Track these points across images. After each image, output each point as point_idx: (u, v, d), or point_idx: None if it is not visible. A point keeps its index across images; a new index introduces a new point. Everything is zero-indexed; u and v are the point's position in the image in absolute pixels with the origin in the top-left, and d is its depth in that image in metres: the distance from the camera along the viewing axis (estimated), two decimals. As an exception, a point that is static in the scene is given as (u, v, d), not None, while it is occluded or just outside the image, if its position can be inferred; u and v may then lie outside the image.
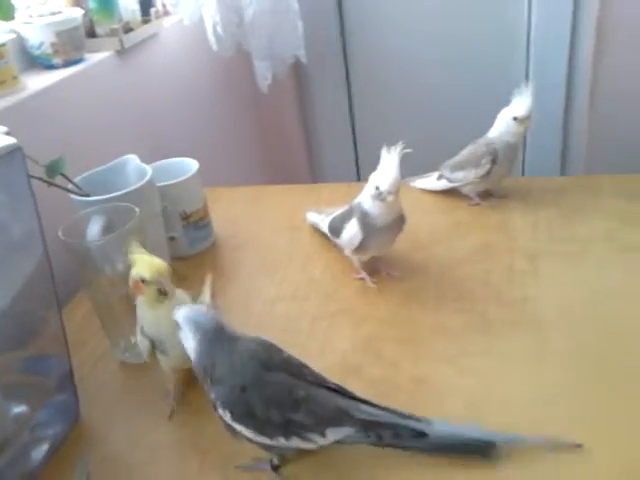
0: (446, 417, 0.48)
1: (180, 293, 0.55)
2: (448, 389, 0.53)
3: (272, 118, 1.52)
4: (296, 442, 0.45)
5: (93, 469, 0.50)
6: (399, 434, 0.46)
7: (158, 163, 0.79)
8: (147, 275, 0.50)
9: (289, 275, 0.73)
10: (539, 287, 0.64)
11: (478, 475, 0.46)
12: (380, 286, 0.68)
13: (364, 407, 0.47)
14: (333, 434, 0.45)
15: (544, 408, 0.50)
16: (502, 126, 0.77)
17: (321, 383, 0.47)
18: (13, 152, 0.47)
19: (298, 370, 0.47)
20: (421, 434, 0.46)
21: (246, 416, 0.45)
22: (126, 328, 0.62)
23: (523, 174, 1.57)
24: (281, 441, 0.45)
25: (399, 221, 0.67)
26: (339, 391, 0.47)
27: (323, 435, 0.45)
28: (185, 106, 1.14)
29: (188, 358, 0.48)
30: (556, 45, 1.39)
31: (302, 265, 0.74)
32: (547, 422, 0.49)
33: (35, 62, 0.86)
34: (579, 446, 0.46)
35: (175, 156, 0.83)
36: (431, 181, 0.85)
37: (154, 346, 0.54)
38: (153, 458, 0.52)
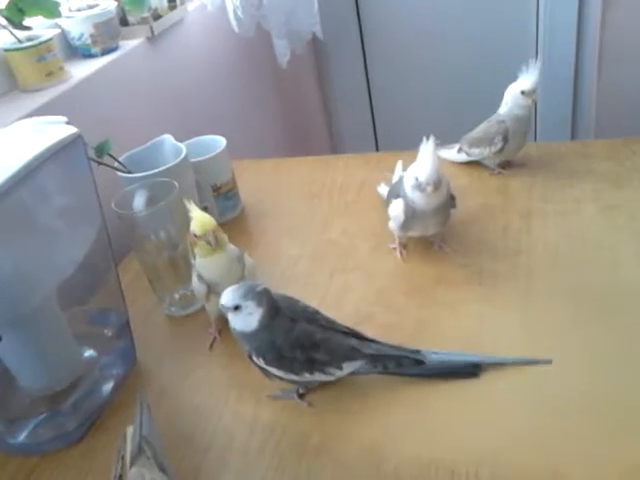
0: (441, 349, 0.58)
1: (230, 246, 0.64)
2: (446, 329, 0.63)
3: (293, 93, 1.60)
4: (319, 376, 0.55)
5: (151, 400, 0.60)
6: (401, 363, 0.56)
7: (190, 141, 0.88)
8: (198, 231, 0.60)
9: (309, 238, 0.82)
10: (530, 243, 0.72)
11: (466, 389, 0.56)
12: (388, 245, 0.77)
13: (371, 344, 0.56)
14: (348, 367, 0.55)
15: (527, 340, 0.59)
16: (510, 101, 0.83)
17: (333, 327, 0.57)
18: (76, 140, 0.56)
19: (314, 317, 0.57)
20: (419, 362, 0.55)
21: (277, 360, 0.55)
22: (171, 287, 0.72)
23: (535, 139, 1.62)
24: (306, 376, 0.55)
25: (444, 206, 0.69)
26: (349, 332, 0.57)
27: (340, 368, 0.55)
28: (211, 86, 1.23)
29: None
30: (565, 10, 1.43)
31: (321, 229, 0.83)
32: (529, 349, 0.58)
33: (76, 52, 0.95)
34: (550, 361, 0.56)
35: (204, 132, 0.91)
36: (452, 153, 0.91)
37: (209, 290, 0.64)
38: (198, 391, 0.62)
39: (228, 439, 0.56)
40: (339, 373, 0.56)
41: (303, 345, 0.54)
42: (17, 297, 0.52)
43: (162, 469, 0.46)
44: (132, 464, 0.47)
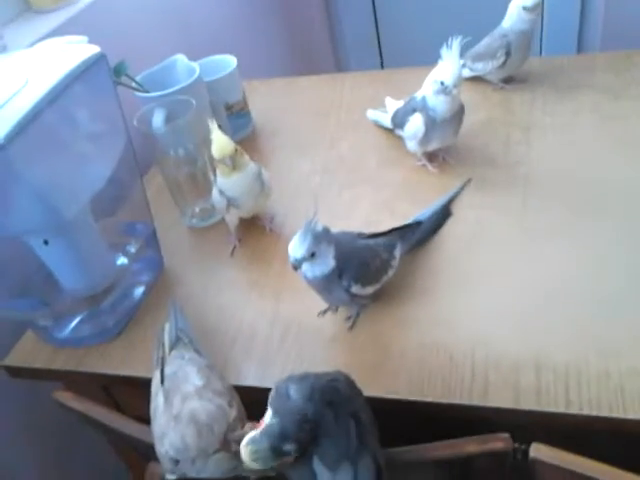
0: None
1: (251, 163, 0.69)
2: (445, 232, 0.68)
3: (297, 10, 1.58)
4: (390, 271, 0.62)
5: (180, 302, 0.67)
6: (414, 231, 0.66)
7: (200, 60, 0.90)
8: (216, 154, 0.65)
9: (319, 154, 0.86)
10: (530, 154, 0.76)
11: (463, 281, 0.62)
12: (396, 159, 0.81)
13: (392, 234, 0.64)
14: (396, 252, 0.63)
15: (524, 239, 0.65)
16: (514, 16, 0.83)
17: (366, 236, 0.63)
18: (99, 59, 0.59)
19: (353, 234, 0.62)
20: (419, 223, 0.67)
21: (367, 277, 0.59)
22: (191, 200, 0.77)
23: (541, 54, 1.61)
24: (385, 277, 0.61)
25: (459, 113, 0.73)
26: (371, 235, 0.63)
27: (394, 256, 0.62)
28: (216, 4, 1.22)
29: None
30: None
31: (330, 145, 0.87)
32: (525, 247, 0.63)
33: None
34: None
35: (210, 53, 0.93)
36: None
37: (229, 203, 0.69)
38: (222, 292, 0.69)
39: (251, 333, 0.63)
40: (395, 262, 0.62)
41: (372, 253, 0.60)
42: (58, 207, 0.56)
43: (198, 352, 0.53)
44: (172, 349, 0.53)
